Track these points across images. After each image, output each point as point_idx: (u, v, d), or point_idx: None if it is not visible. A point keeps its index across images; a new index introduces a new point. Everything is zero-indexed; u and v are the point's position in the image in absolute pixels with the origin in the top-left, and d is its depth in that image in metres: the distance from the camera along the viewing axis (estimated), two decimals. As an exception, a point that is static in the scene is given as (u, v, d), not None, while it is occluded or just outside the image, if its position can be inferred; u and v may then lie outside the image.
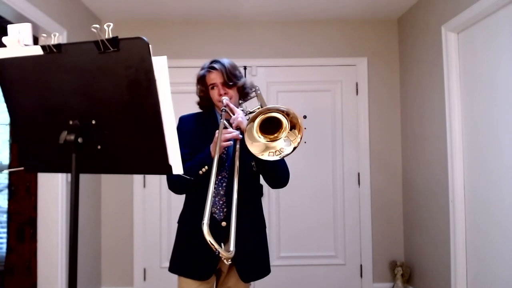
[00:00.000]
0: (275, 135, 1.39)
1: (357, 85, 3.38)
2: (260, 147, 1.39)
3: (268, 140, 1.39)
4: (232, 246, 1.26)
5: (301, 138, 1.38)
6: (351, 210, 3.33)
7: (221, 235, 1.59)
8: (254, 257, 1.68)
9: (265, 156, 1.38)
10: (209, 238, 1.16)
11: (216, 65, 1.64)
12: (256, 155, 1.38)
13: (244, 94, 1.72)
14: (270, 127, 1.39)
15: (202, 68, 1.69)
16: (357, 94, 3.37)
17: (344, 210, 3.33)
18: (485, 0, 2.14)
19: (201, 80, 1.69)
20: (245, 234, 1.62)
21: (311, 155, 3.32)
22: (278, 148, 1.39)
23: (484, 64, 2.27)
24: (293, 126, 1.38)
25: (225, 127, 1.53)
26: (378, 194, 3.34)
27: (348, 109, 3.37)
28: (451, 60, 2.54)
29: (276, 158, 1.39)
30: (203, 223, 1.18)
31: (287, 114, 1.36)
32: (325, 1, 3.02)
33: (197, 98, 1.77)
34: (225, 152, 1.61)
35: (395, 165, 3.36)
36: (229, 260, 1.23)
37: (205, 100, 1.72)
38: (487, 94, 2.25)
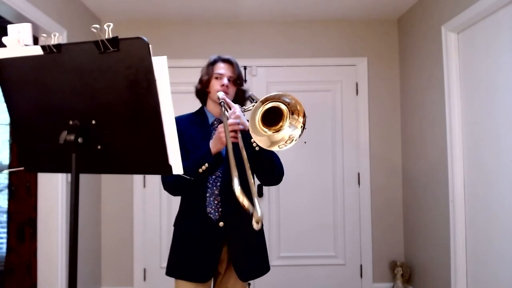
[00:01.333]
0: (280, 124, 1.37)
1: (357, 85, 3.38)
2: (265, 141, 1.37)
3: (274, 131, 1.37)
4: (259, 211, 1.20)
5: (304, 117, 1.35)
6: (351, 210, 3.33)
7: (219, 236, 1.59)
8: (253, 255, 1.67)
9: (276, 148, 1.36)
10: (242, 198, 1.13)
11: (231, 59, 1.68)
12: (268, 148, 1.36)
13: (241, 99, 1.72)
14: (271, 118, 1.37)
15: (216, 56, 1.71)
16: (357, 94, 3.37)
17: (344, 210, 3.33)
18: (485, 0, 2.14)
19: (211, 65, 1.69)
20: (243, 233, 1.62)
21: (311, 155, 3.32)
22: (287, 136, 1.37)
23: (484, 64, 2.27)
24: (292, 112, 1.36)
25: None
26: (378, 194, 3.34)
27: (348, 109, 3.37)
28: (451, 60, 2.54)
29: (290, 145, 1.36)
30: (234, 183, 1.16)
31: (287, 103, 1.35)
32: (325, 1, 3.02)
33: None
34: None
35: (395, 165, 3.36)
36: (259, 223, 1.17)
37: (203, 85, 1.70)
38: (487, 94, 2.25)
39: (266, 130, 1.37)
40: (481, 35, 2.29)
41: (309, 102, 3.35)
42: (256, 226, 1.17)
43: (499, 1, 2.06)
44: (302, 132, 1.36)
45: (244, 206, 1.13)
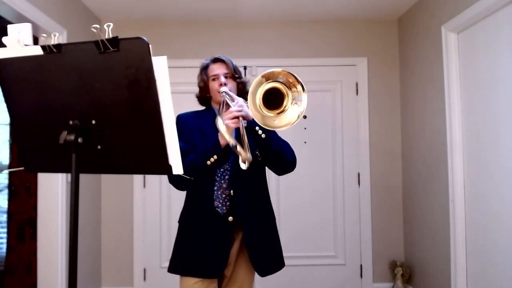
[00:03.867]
0: (284, 104, 1.37)
1: (357, 85, 3.38)
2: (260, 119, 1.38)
3: (277, 113, 1.37)
4: (248, 153, 1.36)
5: (299, 82, 1.35)
6: (351, 210, 3.33)
7: (229, 232, 1.57)
8: (269, 250, 1.65)
9: (288, 127, 1.37)
10: (231, 140, 1.32)
11: (222, 57, 1.67)
12: (284, 127, 1.37)
13: (243, 93, 1.70)
14: (272, 100, 1.37)
15: (207, 59, 1.70)
16: (357, 94, 3.37)
17: (344, 210, 3.33)
18: (485, 0, 2.14)
19: (204, 70, 1.69)
20: (258, 226, 1.61)
21: (311, 155, 3.32)
22: (296, 116, 1.36)
23: (484, 64, 2.27)
24: (289, 86, 1.36)
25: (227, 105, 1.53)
26: (378, 194, 3.34)
27: (348, 109, 3.37)
28: (451, 60, 2.54)
29: (301, 118, 1.37)
30: (217, 119, 1.36)
31: (282, 82, 1.36)
32: (325, 1, 3.02)
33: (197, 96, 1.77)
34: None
35: (395, 165, 3.36)
36: (247, 163, 1.32)
37: (204, 91, 1.71)
38: (487, 94, 2.25)
39: (268, 113, 1.37)
40: (481, 35, 2.29)
41: (309, 102, 3.30)
42: (242, 166, 1.33)
43: (499, 1, 2.06)
44: (306, 99, 1.36)
45: (232, 143, 1.28)
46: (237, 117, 1.44)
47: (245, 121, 1.48)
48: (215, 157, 1.46)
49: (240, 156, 1.30)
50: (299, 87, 1.35)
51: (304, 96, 1.35)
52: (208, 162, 1.47)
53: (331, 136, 3.36)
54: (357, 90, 3.38)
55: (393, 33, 3.41)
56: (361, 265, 3.31)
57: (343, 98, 3.37)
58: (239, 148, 1.28)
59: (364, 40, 3.39)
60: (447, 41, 2.57)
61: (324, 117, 3.36)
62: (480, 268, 2.34)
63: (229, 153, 1.49)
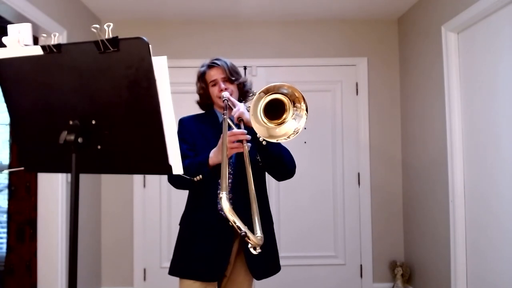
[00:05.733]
0: (284, 116, 1.35)
1: (357, 85, 3.38)
2: (264, 131, 1.35)
3: (276, 125, 1.35)
4: (259, 232, 1.08)
5: (304, 101, 1.32)
6: (351, 210, 3.33)
7: (230, 234, 1.57)
8: (266, 255, 1.63)
9: (282, 139, 1.34)
10: (232, 217, 1.02)
11: (217, 61, 1.65)
12: (277, 140, 1.34)
13: (244, 92, 1.71)
14: (273, 111, 1.35)
15: (203, 66, 1.69)
16: (357, 94, 3.37)
17: (344, 210, 3.33)
18: (485, 0, 2.14)
19: (202, 77, 1.68)
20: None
21: (311, 155, 3.32)
22: (292, 130, 1.34)
23: (484, 64, 2.27)
24: (293, 101, 1.34)
25: (229, 126, 1.47)
26: (378, 194, 3.34)
27: (348, 109, 3.37)
28: (451, 60, 2.54)
29: (295, 136, 1.34)
30: (221, 197, 1.05)
31: (286, 94, 1.33)
32: (325, 1, 3.02)
33: (197, 97, 1.76)
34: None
35: (395, 165, 3.36)
36: (258, 248, 1.03)
37: (204, 98, 1.71)
38: (487, 94, 2.25)
39: (268, 123, 1.35)
40: (481, 35, 2.29)
41: (309, 102, 3.32)
42: (253, 251, 1.03)
43: (499, 1, 2.06)
44: (306, 119, 1.33)
45: (235, 226, 1.01)
46: (241, 141, 1.39)
47: (249, 144, 1.43)
48: (200, 177, 1.45)
49: (249, 243, 1.04)
50: (303, 105, 1.33)
51: (304, 115, 1.33)
52: (196, 179, 1.46)
53: (331, 136, 3.36)
54: (357, 90, 3.37)
55: (393, 33, 3.41)
56: (361, 265, 3.31)
57: (343, 98, 3.37)
58: (243, 228, 1.04)
59: (364, 40, 3.39)
60: (447, 41, 2.57)
61: (324, 117, 3.36)
62: (480, 268, 2.34)
63: (216, 174, 1.42)
